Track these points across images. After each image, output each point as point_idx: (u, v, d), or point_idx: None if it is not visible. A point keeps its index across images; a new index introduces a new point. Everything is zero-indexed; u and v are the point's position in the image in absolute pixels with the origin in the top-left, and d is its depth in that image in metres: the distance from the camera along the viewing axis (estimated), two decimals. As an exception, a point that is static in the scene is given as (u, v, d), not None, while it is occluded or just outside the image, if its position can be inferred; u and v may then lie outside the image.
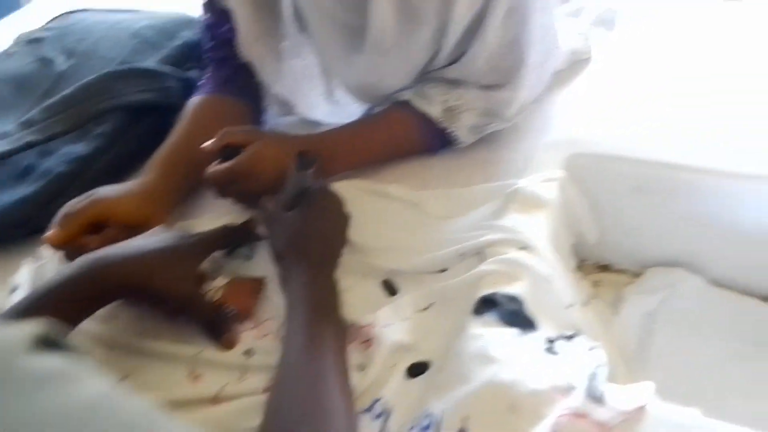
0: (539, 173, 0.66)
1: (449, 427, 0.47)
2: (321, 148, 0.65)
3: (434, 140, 0.72)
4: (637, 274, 0.71)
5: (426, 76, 0.72)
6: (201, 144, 0.65)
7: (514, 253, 0.57)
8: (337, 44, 0.70)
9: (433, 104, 0.70)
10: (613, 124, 0.73)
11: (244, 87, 0.75)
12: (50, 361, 0.22)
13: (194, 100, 0.74)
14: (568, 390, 0.47)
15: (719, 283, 0.68)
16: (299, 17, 0.73)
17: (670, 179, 0.65)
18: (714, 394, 0.60)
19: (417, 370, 0.55)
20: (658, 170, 0.66)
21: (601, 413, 0.45)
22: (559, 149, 0.69)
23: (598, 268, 0.72)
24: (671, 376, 0.62)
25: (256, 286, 0.63)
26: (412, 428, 0.49)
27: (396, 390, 0.53)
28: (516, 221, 0.61)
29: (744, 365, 0.63)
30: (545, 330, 0.54)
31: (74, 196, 0.65)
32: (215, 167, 0.64)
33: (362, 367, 0.55)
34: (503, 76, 0.69)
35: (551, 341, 0.53)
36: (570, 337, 0.55)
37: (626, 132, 0.71)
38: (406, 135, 0.72)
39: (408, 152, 0.73)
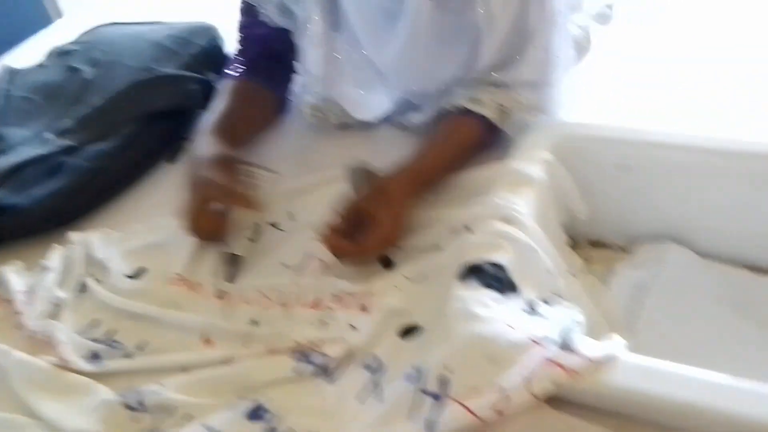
0: (528, 154, 0.69)
1: (432, 376, 0.50)
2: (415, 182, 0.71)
3: (490, 140, 0.76)
4: (628, 250, 0.74)
5: (471, 80, 0.77)
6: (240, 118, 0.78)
7: (499, 225, 0.61)
8: (370, 26, 0.76)
9: (487, 107, 0.74)
10: (600, 108, 0.77)
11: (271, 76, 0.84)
12: None
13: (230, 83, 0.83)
14: (543, 341, 0.50)
15: (707, 255, 0.70)
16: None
17: (652, 156, 0.68)
18: (701, 364, 0.62)
19: (408, 332, 0.58)
20: (640, 149, 0.69)
21: (572, 360, 0.48)
22: (547, 133, 0.72)
23: (590, 244, 0.75)
24: (659, 346, 0.64)
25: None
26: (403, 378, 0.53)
27: (389, 348, 0.57)
28: (502, 197, 0.64)
29: (732, 335, 0.65)
30: (528, 293, 0.57)
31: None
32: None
33: (356, 328, 0.59)
34: (542, 75, 0.74)
35: (532, 304, 0.57)
36: (551, 301, 0.58)
37: (610, 115, 0.74)
38: (471, 139, 0.76)
39: (473, 156, 0.77)
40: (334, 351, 0.57)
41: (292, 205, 0.76)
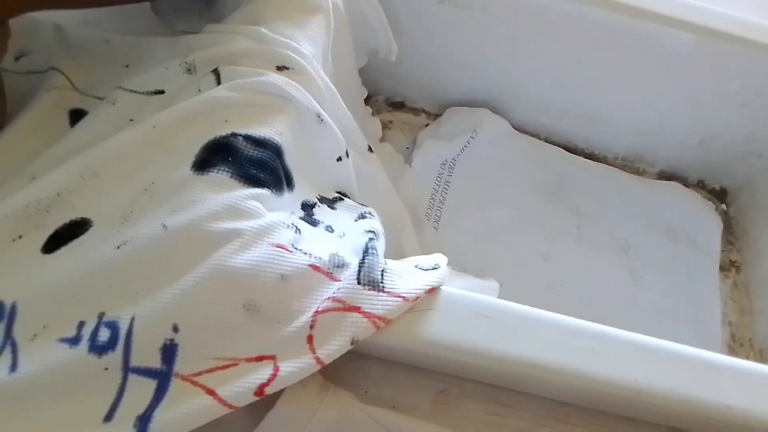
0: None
1: (148, 341, 0.29)
2: None
3: None
4: (435, 116, 0.57)
5: None
6: None
7: (270, 75, 0.38)
8: None
9: None
10: None
11: None
12: None
13: None
14: (332, 270, 0.32)
15: (524, 128, 0.58)
16: None
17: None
18: (511, 256, 0.51)
19: (61, 239, 0.33)
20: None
21: (378, 304, 0.31)
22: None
23: (391, 105, 0.57)
24: (466, 236, 0.52)
25: None
26: (69, 339, 0.30)
27: (24, 276, 0.32)
28: (277, 28, 0.41)
29: (544, 223, 0.55)
30: (303, 191, 0.37)
31: None
32: None
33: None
34: None
35: (310, 206, 0.37)
36: (333, 201, 0.39)
37: None
38: None
39: None
40: None
41: None
